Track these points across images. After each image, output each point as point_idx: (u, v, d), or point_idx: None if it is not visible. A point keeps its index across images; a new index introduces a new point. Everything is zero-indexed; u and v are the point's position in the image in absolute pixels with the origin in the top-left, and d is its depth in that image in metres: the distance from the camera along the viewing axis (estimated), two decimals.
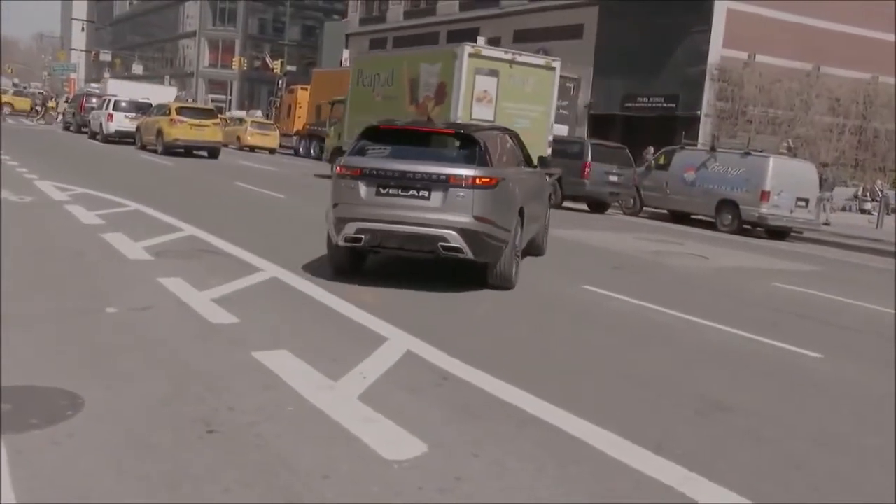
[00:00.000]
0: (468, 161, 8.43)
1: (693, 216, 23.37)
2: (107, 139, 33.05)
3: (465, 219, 8.22)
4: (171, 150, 28.36)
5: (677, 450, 4.49)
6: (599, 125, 35.59)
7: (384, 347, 6.00)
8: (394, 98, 21.93)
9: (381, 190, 8.27)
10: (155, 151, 28.78)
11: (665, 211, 24.22)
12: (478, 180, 8.25)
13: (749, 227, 21.73)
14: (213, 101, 69.87)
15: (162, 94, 45.25)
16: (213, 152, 29.29)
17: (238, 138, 40.76)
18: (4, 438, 3.84)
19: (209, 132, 28.89)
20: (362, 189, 8.31)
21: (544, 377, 5.69)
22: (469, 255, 8.35)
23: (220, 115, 34.37)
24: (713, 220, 22.10)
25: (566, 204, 23.24)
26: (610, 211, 24.18)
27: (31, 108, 52.40)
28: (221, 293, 7.28)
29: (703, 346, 7.28)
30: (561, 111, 28.52)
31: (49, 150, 26.36)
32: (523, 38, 39.99)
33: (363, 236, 8.34)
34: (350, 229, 8.34)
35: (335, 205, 8.50)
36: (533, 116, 20.46)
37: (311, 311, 7.05)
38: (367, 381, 5.13)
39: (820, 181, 23.24)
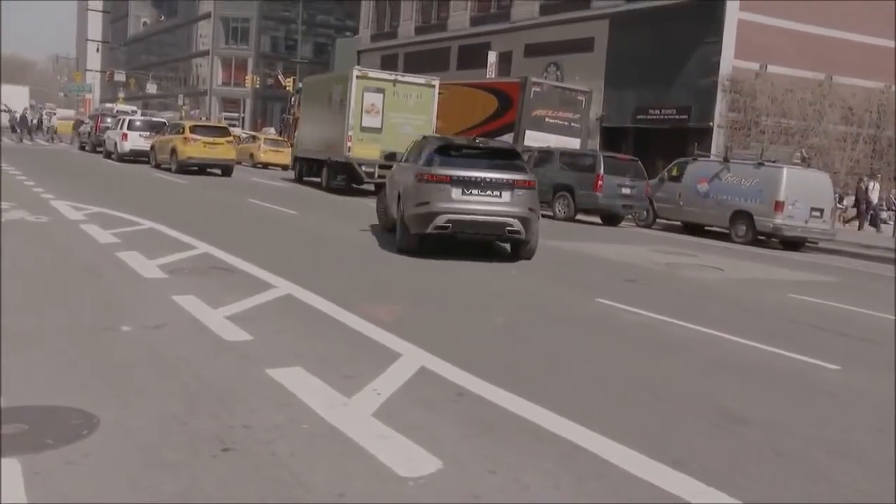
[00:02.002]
0: (518, 169, 12.32)
1: (707, 228, 23.27)
2: (122, 158, 33.26)
3: (523, 210, 12.01)
4: (185, 168, 28.50)
5: (695, 464, 4.44)
6: (611, 138, 35.54)
7: (398, 363, 5.98)
8: (326, 112, 26.73)
9: (466, 191, 11.85)
10: (169, 170, 28.93)
11: (678, 223, 24.13)
12: (528, 183, 12.17)
13: (763, 238, 21.61)
14: (226, 118, 70.13)
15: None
16: (227, 170, 29.44)
17: (251, 155, 41.03)
18: (21, 459, 3.84)
19: (222, 150, 29.10)
20: (452, 191, 11.81)
21: (560, 392, 5.66)
22: (523, 235, 12.19)
23: (233, 133, 34.63)
24: (727, 232, 21.99)
25: (579, 217, 23.19)
26: (623, 223, 24.09)
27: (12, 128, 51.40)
28: (235, 310, 7.29)
29: (719, 359, 7.23)
30: (573, 125, 28.59)
31: (65, 170, 26.57)
32: (534, 52, 40.06)
33: (450, 225, 11.85)
34: (441, 220, 11.78)
35: (425, 202, 11.79)
36: (416, 125, 23.98)
37: (325, 328, 7.05)
38: (382, 398, 5.11)
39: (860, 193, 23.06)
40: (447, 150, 12.37)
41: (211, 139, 28.85)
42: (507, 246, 13.13)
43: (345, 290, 8.75)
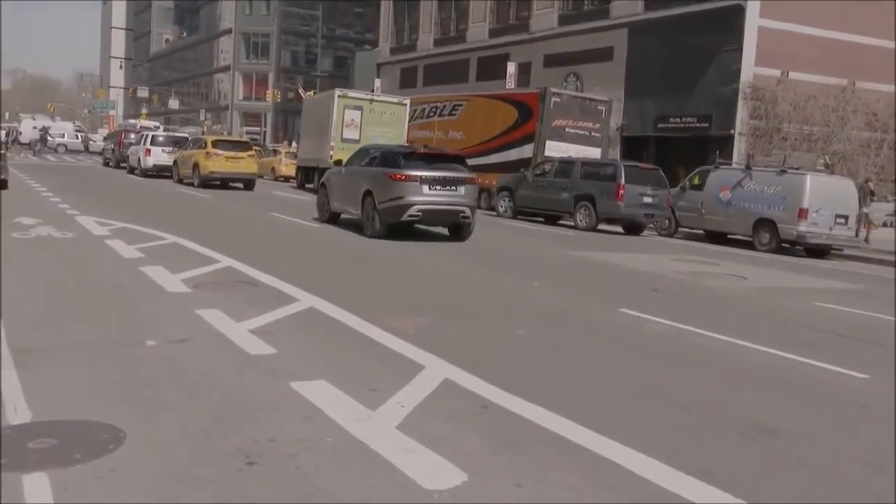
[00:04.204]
0: (465, 169, 16.20)
1: (730, 236, 23.11)
2: (145, 174, 33.56)
3: (472, 201, 16.02)
4: (208, 182, 28.67)
5: (723, 475, 4.40)
6: (633, 147, 35.39)
7: (422, 375, 5.97)
8: (317, 126, 31.02)
9: (431, 187, 15.41)
10: (192, 184, 29.13)
11: (701, 231, 23.97)
12: (474, 180, 16.28)
13: (787, 245, 21.43)
14: (247, 133, 70.36)
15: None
16: (249, 184, 29.68)
17: (273, 169, 41.26)
18: (50, 473, 3.87)
19: (244, 164, 29.32)
20: (422, 187, 15.30)
21: (585, 403, 5.62)
22: (471, 220, 16.10)
23: (254, 147, 35.53)
24: (750, 240, 21.83)
25: (601, 227, 23.09)
26: (645, 233, 23.98)
27: None
28: (259, 324, 7.32)
29: (745, 369, 7.16)
30: (593, 134, 28.50)
31: (89, 186, 26.85)
32: (554, 62, 40.06)
33: (420, 214, 15.45)
34: (413, 210, 15.29)
35: (399, 196, 15.21)
36: (389, 137, 28.21)
37: (348, 341, 7.05)
38: (406, 411, 5.10)
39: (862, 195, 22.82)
40: (409, 156, 15.84)
41: (233, 154, 29.09)
42: (446, 230, 16.76)
43: (368, 303, 8.74)
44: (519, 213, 25.24)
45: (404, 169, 15.35)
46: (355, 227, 16.77)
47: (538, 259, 15.13)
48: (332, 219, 17.87)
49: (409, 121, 31.41)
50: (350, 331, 7.39)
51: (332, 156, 26.78)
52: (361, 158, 17.31)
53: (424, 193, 15.20)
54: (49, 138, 56.59)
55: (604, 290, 11.48)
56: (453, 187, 15.53)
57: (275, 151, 45.07)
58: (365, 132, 28.58)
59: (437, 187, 15.34)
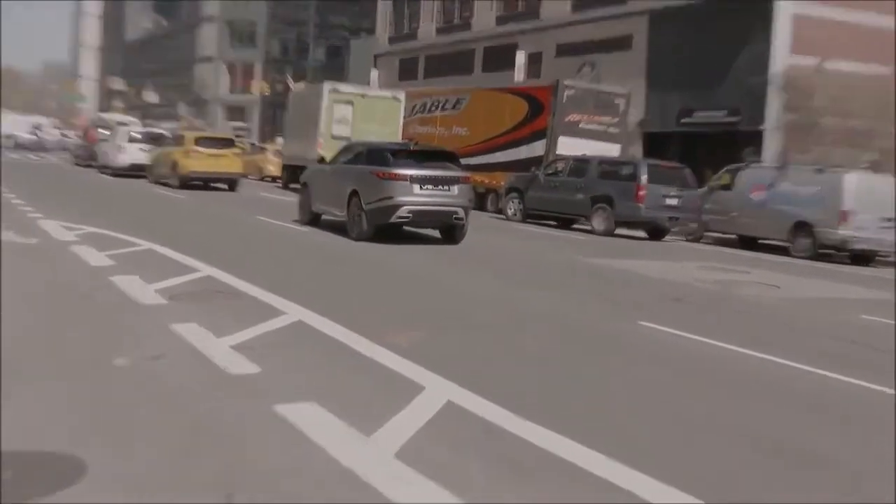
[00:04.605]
0: (457, 167, 16.82)
1: (762, 241, 23.04)
2: (116, 173, 33.58)
3: (465, 201, 16.57)
4: (188, 183, 28.71)
5: (748, 502, 4.33)
6: (654, 144, 35.24)
7: (422, 397, 5.92)
8: (305, 122, 31.70)
9: (423, 186, 15.91)
10: (169, 185, 29.16)
11: (731, 236, 23.90)
12: (468, 178, 17.01)
13: (828, 251, 21.33)
14: (233, 128, 70.58)
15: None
16: (232, 184, 29.80)
17: (259, 168, 41.25)
18: None
19: (228, 163, 29.39)
20: (413, 187, 15.79)
21: (596, 426, 5.56)
22: (465, 223, 16.62)
23: (239, 144, 35.50)
24: (785, 245, 21.75)
25: (620, 231, 23.05)
26: (668, 237, 23.93)
27: None
28: (241, 339, 7.28)
29: (774, 387, 7.09)
30: (610, 129, 28.45)
31: (55, 187, 26.86)
32: (567, 51, 40.06)
33: (410, 215, 15.96)
34: (403, 211, 15.77)
35: (389, 197, 15.72)
36: (383, 134, 27.63)
37: (340, 358, 7.00)
38: (404, 436, 5.04)
39: None
40: (398, 154, 16.41)
41: (216, 151, 29.16)
42: (437, 232, 17.29)
43: (360, 314, 8.69)
44: (530, 216, 25.32)
45: (393, 167, 15.89)
46: (340, 229, 17.14)
47: (548, 265, 15.16)
48: (315, 220, 18.39)
49: (409, 115, 32.09)
50: (342, 346, 7.34)
51: (320, 154, 27.33)
52: (347, 156, 17.84)
53: (415, 193, 15.74)
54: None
55: (621, 300, 11.44)
56: (446, 187, 16.10)
57: (262, 148, 45.32)
58: (357, 128, 29.29)
59: (429, 187, 15.90)
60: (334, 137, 28.65)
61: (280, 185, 35.22)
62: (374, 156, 16.65)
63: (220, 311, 8.47)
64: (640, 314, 10.04)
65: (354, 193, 16.30)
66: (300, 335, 7.73)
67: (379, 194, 15.79)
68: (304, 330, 7.94)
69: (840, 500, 4.65)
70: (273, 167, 40.52)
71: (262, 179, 40.51)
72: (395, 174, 15.76)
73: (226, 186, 29.84)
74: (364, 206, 15.98)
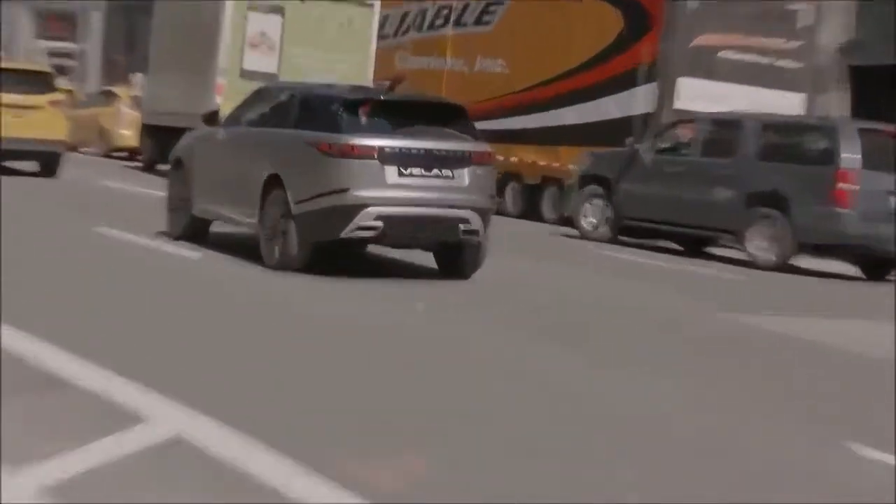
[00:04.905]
0: (466, 131, 10.34)
1: None
2: None
3: (483, 198, 10.13)
4: None
5: None
6: (869, 89, 21.23)
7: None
8: (187, 50, 20.42)
9: (404, 170, 9.67)
10: None
11: None
12: (488, 156, 10.40)
13: None
14: (48, 54, 39.64)
15: None
16: (49, 163, 18.62)
17: (102, 133, 26.48)
18: None
19: (39, 122, 17.86)
20: (386, 170, 9.60)
21: None
22: (482, 238, 10.10)
23: (62, 86, 22.69)
24: None
25: (801, 260, 14.65)
26: None
27: None
28: (59, 476, 3.81)
29: None
30: (782, 65, 18.29)
31: None
32: None
33: (381, 224, 9.54)
34: (367, 217, 9.46)
35: (340, 189, 9.50)
36: (340, 69, 18.01)
37: None
38: None
39: None
40: (356, 106, 9.98)
41: (16, 101, 17.64)
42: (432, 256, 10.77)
43: (296, 423, 4.95)
44: (626, 230, 16.14)
45: (349, 132, 9.71)
46: (245, 250, 10.68)
47: (665, 331, 9.24)
48: (198, 232, 11.46)
49: (391, 36, 21.99)
50: (264, 491, 3.81)
51: (218, 105, 16.06)
52: (260, 109, 11.33)
53: (390, 183, 9.59)
54: None
55: (817, 405, 6.71)
56: (446, 171, 9.84)
57: (107, 95, 28.44)
58: (289, 59, 18.82)
59: (416, 171, 9.72)
60: (246, 76, 18.11)
61: (141, 163, 22.94)
62: (312, 110, 10.42)
63: (25, 417, 4.66)
64: (855, 434, 5.61)
65: (274, 182, 9.94)
66: (177, 468, 4.09)
67: (322, 184, 9.61)
68: (184, 457, 4.23)
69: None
70: (127, 131, 25.41)
71: (107, 155, 26.29)
72: (354, 147, 9.54)
73: (36, 168, 18.85)
74: (293, 205, 9.63)
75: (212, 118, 11.87)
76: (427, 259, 10.72)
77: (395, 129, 9.94)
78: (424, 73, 20.78)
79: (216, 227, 11.68)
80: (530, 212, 19.19)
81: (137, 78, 27.54)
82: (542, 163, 19.05)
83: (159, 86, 21.41)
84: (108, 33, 41.85)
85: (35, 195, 15.71)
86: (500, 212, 17.03)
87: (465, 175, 9.87)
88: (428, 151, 9.76)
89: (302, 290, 9.18)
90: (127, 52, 38.39)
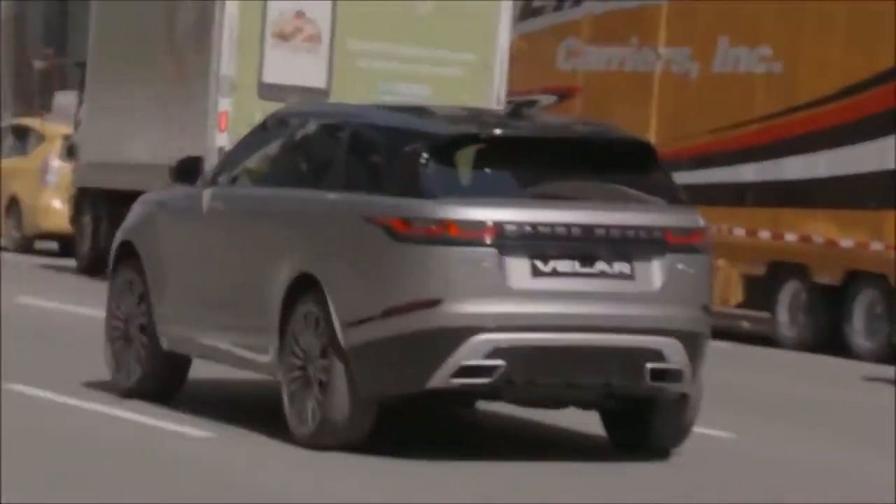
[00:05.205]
0: (656, 189, 6.50)
1: None
2: None
3: (688, 314, 6.27)
4: None
5: None
6: None
7: None
8: (144, 51, 14.09)
9: (542, 265, 6.02)
10: None
11: None
12: (697, 236, 6.41)
13: None
14: None
15: None
16: None
17: (14, 208, 18.42)
18: None
19: None
20: (511, 266, 5.96)
21: None
22: (684, 382, 6.20)
23: None
24: None
25: None
26: None
27: None
28: None
29: None
30: None
31: None
32: None
33: (501, 364, 5.82)
34: (476, 351, 5.81)
35: (433, 302, 5.85)
36: (443, 79, 12.59)
37: None
38: None
39: None
40: (451, 147, 6.33)
41: None
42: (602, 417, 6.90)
43: None
44: None
45: (442, 197, 6.17)
46: (259, 411, 7.31)
47: None
48: (164, 380, 7.69)
49: (543, 13, 15.08)
50: None
51: (217, 146, 12.04)
52: (275, 154, 7.50)
53: (516, 288, 6.05)
54: None
55: None
56: (619, 263, 6.21)
57: (19, 134, 19.82)
58: (346, 63, 12.89)
59: (566, 265, 6.14)
60: (269, 94, 12.28)
61: (77, 260, 16.16)
62: (372, 155, 6.77)
63: None
64: None
65: (305, 287, 6.43)
66: None
67: (394, 293, 6.10)
68: None
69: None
70: (60, 202, 17.67)
71: (25, 247, 18.39)
72: (452, 223, 6.01)
73: None
74: (340, 331, 6.08)
75: (188, 171, 7.78)
76: (589, 421, 6.82)
77: (524, 188, 6.41)
78: (614, 78, 14.45)
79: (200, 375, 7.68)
80: (827, 337, 12.50)
81: (65, 101, 18.22)
82: (846, 243, 12.25)
83: (106, 117, 14.47)
84: (17, 22, 26.22)
85: None
86: (771, 338, 12.59)
87: (655, 271, 6.22)
88: (586, 229, 6.11)
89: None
90: (57, 52, 24.37)
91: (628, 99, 13.88)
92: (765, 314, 12.95)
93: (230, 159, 7.72)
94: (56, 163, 17.24)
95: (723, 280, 12.77)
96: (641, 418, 6.50)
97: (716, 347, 12.87)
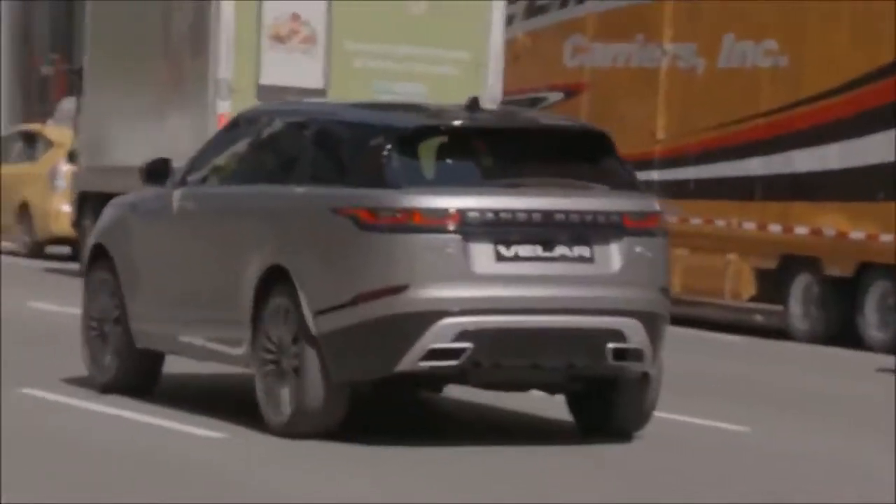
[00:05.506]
0: (613, 177, 6.68)
1: None
2: None
3: (647, 295, 6.42)
4: None
5: None
6: None
7: None
8: (140, 55, 14.04)
9: (505, 250, 6.15)
10: None
11: None
12: (653, 220, 6.62)
13: None
14: None
15: None
16: None
17: (24, 214, 18.34)
18: None
19: None
20: (473, 250, 6.09)
21: None
22: (645, 361, 6.33)
23: None
24: None
25: None
26: None
27: None
28: None
29: None
30: None
31: None
32: None
33: (468, 346, 5.92)
34: (443, 335, 5.93)
35: (400, 288, 5.96)
36: (438, 74, 12.59)
37: None
38: None
39: None
40: (414, 139, 6.48)
41: None
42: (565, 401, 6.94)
43: None
44: None
45: (407, 186, 6.26)
46: (233, 403, 7.35)
47: None
48: (138, 374, 7.75)
49: (547, 9, 15.07)
50: None
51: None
52: (245, 151, 7.52)
53: (480, 273, 6.12)
54: None
55: None
56: (579, 247, 6.30)
57: (28, 140, 19.87)
58: (342, 63, 12.81)
59: (527, 250, 6.22)
60: (267, 95, 12.07)
61: (83, 264, 14.09)
62: (339, 149, 6.88)
63: None
64: None
65: (276, 279, 6.46)
66: None
67: (362, 280, 6.13)
68: None
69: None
70: (65, 205, 17.50)
71: (36, 252, 18.42)
72: (416, 211, 6.12)
73: None
74: (311, 320, 6.16)
75: (157, 173, 7.71)
76: (554, 406, 6.91)
77: (486, 176, 6.58)
78: (620, 74, 14.37)
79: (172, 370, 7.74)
80: (840, 329, 12.54)
81: (69, 106, 17.98)
82: (857, 235, 12.21)
83: (104, 121, 14.61)
84: (24, 24, 25.18)
85: None
86: (783, 331, 12.78)
87: (613, 254, 6.31)
88: (546, 214, 6.21)
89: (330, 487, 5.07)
90: (63, 57, 23.64)
91: (635, 95, 14.02)
92: (777, 307, 13.00)
93: (199, 159, 7.77)
94: (64, 168, 17.25)
95: (734, 274, 13.13)
96: (605, 401, 6.59)
97: (729, 341, 13.42)
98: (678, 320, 13.27)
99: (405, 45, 12.84)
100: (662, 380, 6.66)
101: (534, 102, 14.17)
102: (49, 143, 18.18)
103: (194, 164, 7.72)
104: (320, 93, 12.17)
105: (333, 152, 6.85)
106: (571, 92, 13.79)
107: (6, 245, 17.84)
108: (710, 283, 13.36)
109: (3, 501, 3.36)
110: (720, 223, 13.10)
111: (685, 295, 13.28)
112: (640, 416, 6.66)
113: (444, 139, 6.56)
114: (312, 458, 5.80)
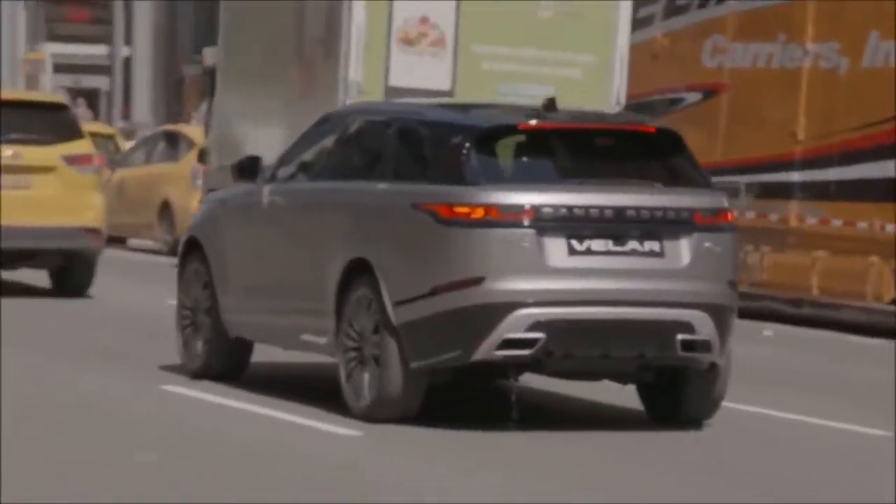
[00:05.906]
0: (684, 177, 6.94)
1: None
2: None
3: (716, 289, 6.69)
4: None
5: None
6: None
7: None
8: (272, 55, 14.29)
9: (577, 244, 6.45)
10: None
11: None
12: (724, 216, 6.91)
13: None
14: (61, 69, 27.28)
15: None
16: (69, 270, 12.51)
17: (165, 212, 18.59)
18: None
19: (50, 195, 12.21)
20: (549, 245, 6.40)
21: None
22: (715, 352, 6.57)
23: (95, 129, 17.79)
24: None
25: None
26: None
27: None
28: None
29: None
30: None
31: None
32: None
33: (541, 336, 6.23)
34: (517, 325, 6.24)
35: (476, 280, 6.26)
36: (564, 77, 12.51)
37: None
38: None
39: None
40: (491, 138, 6.78)
41: (17, 158, 11.80)
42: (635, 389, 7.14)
43: None
44: None
45: (483, 183, 6.55)
46: (317, 391, 7.43)
47: None
48: (230, 362, 8.07)
49: (686, 9, 15.11)
50: None
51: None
52: (330, 149, 7.77)
53: (554, 266, 6.40)
54: None
55: None
56: (650, 242, 6.55)
57: (171, 140, 20.12)
58: (469, 65, 12.85)
59: (600, 244, 6.46)
60: (394, 95, 11.97)
61: None
62: (419, 148, 7.16)
63: None
64: None
65: (358, 271, 6.75)
66: None
67: (439, 273, 6.43)
68: None
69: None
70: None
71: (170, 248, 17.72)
72: (492, 207, 6.38)
73: (46, 276, 12.66)
74: (392, 310, 6.43)
75: (248, 169, 8.03)
76: (625, 395, 7.09)
77: (561, 175, 6.83)
78: (761, 75, 14.10)
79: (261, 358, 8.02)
80: None
81: (197, 117, 18.40)
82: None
83: (235, 122, 14.73)
84: (168, 28, 24.29)
85: (42, 334, 9.84)
86: None
87: (683, 249, 6.55)
88: (618, 210, 6.46)
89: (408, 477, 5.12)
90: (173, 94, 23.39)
91: (776, 95, 13.81)
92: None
93: (288, 157, 8.08)
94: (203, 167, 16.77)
95: (876, 276, 12.85)
96: (674, 390, 6.81)
97: (870, 345, 13.05)
98: (817, 322, 13.51)
99: (532, 48, 12.80)
100: (783, 380, 6.93)
101: (672, 103, 14.27)
102: (191, 143, 18.34)
103: (283, 160, 8.05)
104: (447, 94, 12.29)
105: (415, 150, 7.16)
106: (710, 92, 13.81)
107: (148, 243, 18.32)
108: (851, 285, 13.10)
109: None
110: (862, 225, 12.81)
111: (825, 297, 13.26)
112: (709, 405, 6.85)
113: (520, 138, 6.86)
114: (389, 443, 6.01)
